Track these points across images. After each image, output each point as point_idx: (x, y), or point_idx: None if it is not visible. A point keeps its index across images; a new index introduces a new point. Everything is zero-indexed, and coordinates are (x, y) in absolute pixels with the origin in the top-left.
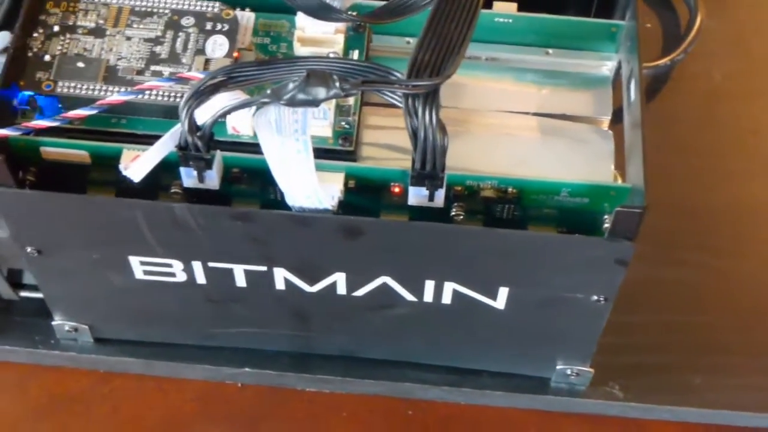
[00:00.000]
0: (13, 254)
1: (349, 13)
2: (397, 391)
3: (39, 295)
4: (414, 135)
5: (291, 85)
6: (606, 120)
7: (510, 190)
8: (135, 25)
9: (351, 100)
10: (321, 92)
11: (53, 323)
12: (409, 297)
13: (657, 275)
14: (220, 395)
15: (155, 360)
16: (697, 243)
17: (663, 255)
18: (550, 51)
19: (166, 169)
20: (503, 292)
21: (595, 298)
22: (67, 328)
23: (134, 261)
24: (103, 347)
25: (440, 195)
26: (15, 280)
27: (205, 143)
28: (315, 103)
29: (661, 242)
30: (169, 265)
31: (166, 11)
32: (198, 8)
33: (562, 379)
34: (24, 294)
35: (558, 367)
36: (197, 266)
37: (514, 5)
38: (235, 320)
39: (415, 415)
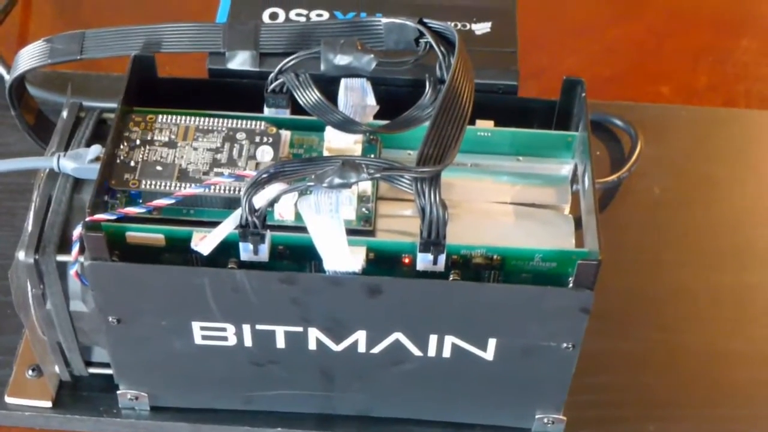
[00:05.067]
0: (91, 328)
1: (367, 126)
2: None
3: (105, 371)
4: (422, 210)
5: (330, 172)
6: (566, 207)
7: (495, 257)
8: (200, 139)
9: (369, 192)
10: (353, 176)
11: (118, 392)
12: (417, 352)
13: (613, 346)
14: None
15: (202, 424)
16: (644, 321)
17: (617, 331)
18: (521, 158)
19: (222, 252)
20: (492, 343)
21: (565, 345)
22: (129, 396)
23: (196, 326)
24: (158, 414)
25: (442, 260)
26: (85, 358)
27: (261, 222)
28: (348, 185)
29: (616, 321)
30: (224, 329)
31: (224, 129)
32: (248, 126)
33: (540, 429)
34: (92, 370)
35: (537, 416)
36: (246, 330)
37: (491, 122)
38: (273, 383)
39: None
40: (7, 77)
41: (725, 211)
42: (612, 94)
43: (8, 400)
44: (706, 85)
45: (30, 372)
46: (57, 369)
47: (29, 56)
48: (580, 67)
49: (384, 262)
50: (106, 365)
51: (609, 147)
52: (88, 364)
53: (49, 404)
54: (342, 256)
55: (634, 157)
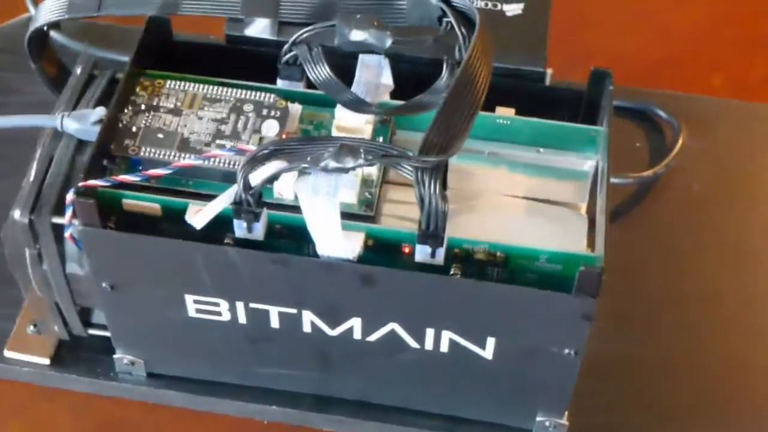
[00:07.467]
0: (88, 291)
1: (378, 108)
2: None
3: (104, 333)
4: (421, 201)
5: (326, 155)
6: (583, 206)
7: (498, 254)
8: (206, 108)
9: (374, 176)
10: (350, 161)
11: (114, 356)
12: (413, 344)
13: (630, 351)
14: (248, 430)
15: (196, 395)
16: (666, 325)
17: (636, 334)
18: (541, 150)
19: (220, 225)
20: (491, 342)
21: (567, 351)
22: (125, 361)
23: (189, 299)
24: (154, 381)
25: (440, 253)
26: (85, 319)
27: (255, 200)
28: (345, 170)
29: (635, 324)
30: (217, 304)
31: (231, 99)
32: (257, 98)
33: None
34: (91, 332)
35: (538, 419)
36: (240, 307)
37: (512, 110)
38: (267, 360)
39: None
40: None
41: (767, 214)
42: (661, 81)
43: (7, 354)
44: (761, 79)
45: (31, 328)
46: (56, 328)
47: (48, 10)
48: (632, 50)
49: (384, 250)
50: (106, 327)
51: (650, 138)
52: (88, 324)
53: (47, 361)
54: (335, 242)
55: (674, 152)
